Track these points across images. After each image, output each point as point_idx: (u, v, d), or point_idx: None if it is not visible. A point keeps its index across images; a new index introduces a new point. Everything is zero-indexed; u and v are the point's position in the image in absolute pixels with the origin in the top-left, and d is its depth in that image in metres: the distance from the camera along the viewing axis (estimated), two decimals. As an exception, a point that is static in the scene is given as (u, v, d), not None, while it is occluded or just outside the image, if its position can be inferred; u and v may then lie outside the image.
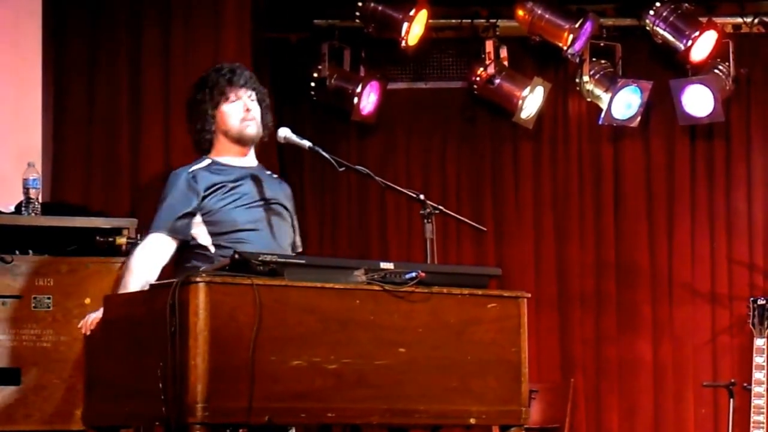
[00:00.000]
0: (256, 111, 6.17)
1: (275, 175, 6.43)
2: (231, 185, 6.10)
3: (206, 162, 6.15)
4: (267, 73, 7.46)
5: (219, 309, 5.09)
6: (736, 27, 9.42)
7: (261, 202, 6.13)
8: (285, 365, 5.23)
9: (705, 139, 9.55)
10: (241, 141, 6.15)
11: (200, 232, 6.01)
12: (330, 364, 5.35)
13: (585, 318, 9.52)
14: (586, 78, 9.25)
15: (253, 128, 6.13)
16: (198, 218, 6.01)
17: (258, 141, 6.27)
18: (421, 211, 6.17)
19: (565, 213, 9.67)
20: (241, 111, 6.11)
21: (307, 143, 6.15)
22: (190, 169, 6.10)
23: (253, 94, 6.18)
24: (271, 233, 6.08)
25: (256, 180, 6.19)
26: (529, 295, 5.87)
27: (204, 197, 6.01)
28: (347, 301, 5.45)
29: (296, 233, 6.29)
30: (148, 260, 5.99)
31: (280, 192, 6.26)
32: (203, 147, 6.21)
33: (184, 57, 8.09)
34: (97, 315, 5.81)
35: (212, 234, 6.01)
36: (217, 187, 6.05)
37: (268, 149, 6.49)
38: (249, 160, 6.23)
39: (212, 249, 5.98)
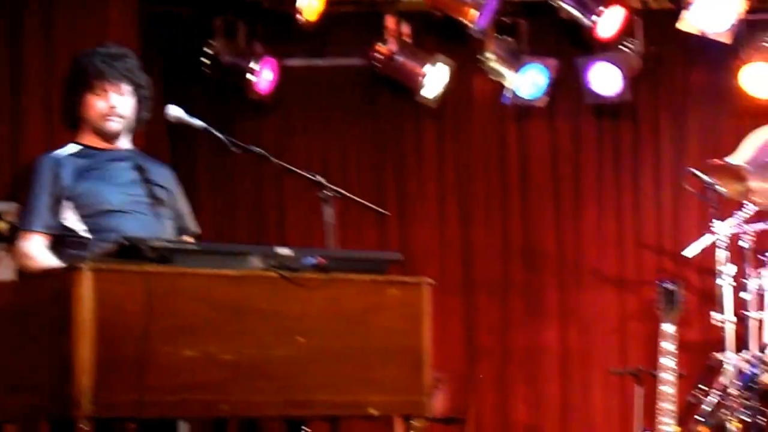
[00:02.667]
0: (123, 107, 6.07)
1: (154, 159, 6.35)
2: (100, 167, 6.07)
3: (73, 148, 6.10)
4: (156, 49, 7.42)
5: (106, 298, 5.01)
6: (645, 3, 9.42)
7: (135, 184, 6.09)
8: (177, 356, 5.18)
9: (612, 118, 9.70)
10: (101, 134, 6.10)
11: (69, 216, 5.94)
12: (225, 354, 5.32)
13: (490, 304, 9.60)
14: (490, 56, 9.21)
15: (116, 125, 6.05)
16: (66, 203, 5.96)
17: (129, 132, 6.20)
18: (320, 194, 6.14)
19: (470, 196, 9.73)
20: (105, 107, 6.04)
21: (199, 123, 6.10)
22: (54, 155, 6.08)
23: (129, 87, 6.11)
24: (149, 216, 6.00)
25: (129, 162, 6.15)
26: (432, 281, 5.84)
27: (69, 184, 5.96)
28: (243, 288, 5.43)
29: (186, 217, 6.22)
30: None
31: (159, 175, 6.20)
32: (70, 126, 6.19)
33: (68, 31, 8.09)
34: None
35: (83, 216, 5.94)
36: (83, 169, 6.02)
37: (158, 130, 6.39)
38: (120, 144, 6.16)
39: (85, 234, 5.90)
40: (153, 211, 6.02)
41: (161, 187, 6.12)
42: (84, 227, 5.92)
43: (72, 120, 6.14)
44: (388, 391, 5.83)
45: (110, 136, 6.07)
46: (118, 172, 6.04)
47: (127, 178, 6.03)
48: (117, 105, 6.00)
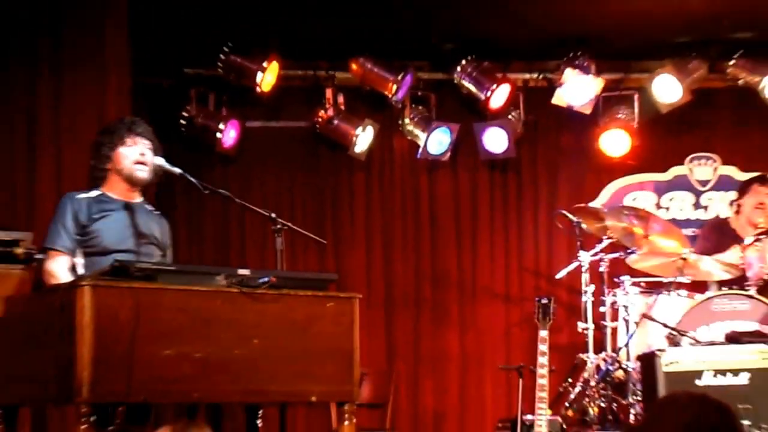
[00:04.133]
0: (149, 158, 6.16)
1: (157, 212, 6.40)
2: (111, 215, 6.13)
3: (95, 193, 6.17)
4: (143, 113, 7.39)
5: (102, 308, 5.09)
6: (525, 81, 9.58)
7: (132, 231, 6.14)
8: (159, 355, 5.26)
9: (500, 171, 9.77)
10: (131, 181, 6.19)
11: (79, 250, 6.04)
12: (197, 353, 5.40)
13: (406, 316, 9.65)
14: (407, 120, 9.40)
15: (144, 173, 6.15)
16: (78, 240, 6.04)
17: (148, 184, 6.29)
18: (273, 227, 6.29)
19: (391, 230, 9.75)
20: (137, 155, 6.14)
21: (177, 170, 6.21)
22: (78, 196, 6.12)
23: (150, 144, 6.20)
24: (138, 256, 6.03)
25: (134, 213, 6.20)
26: (361, 296, 5.99)
27: (84, 224, 6.05)
28: (211, 301, 5.51)
29: (168, 259, 6.31)
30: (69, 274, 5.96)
31: (155, 226, 6.30)
32: (96, 182, 6.20)
33: (75, 97, 7.90)
34: None
35: (86, 254, 6.03)
36: (97, 215, 6.09)
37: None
38: (134, 196, 6.22)
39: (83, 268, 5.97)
40: (143, 254, 6.11)
41: (153, 236, 6.23)
42: (83, 261, 6.02)
43: (100, 177, 6.18)
44: (326, 383, 5.94)
45: (137, 183, 6.17)
46: (123, 219, 6.14)
47: (128, 225, 6.13)
48: (146, 154, 6.16)
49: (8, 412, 5.83)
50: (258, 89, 8.94)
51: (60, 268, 5.96)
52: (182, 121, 8.99)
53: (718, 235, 8.61)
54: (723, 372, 7.02)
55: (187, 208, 8.40)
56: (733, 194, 9.14)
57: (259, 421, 6.44)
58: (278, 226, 6.40)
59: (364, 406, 8.15)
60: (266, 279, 5.72)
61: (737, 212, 8.64)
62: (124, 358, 5.14)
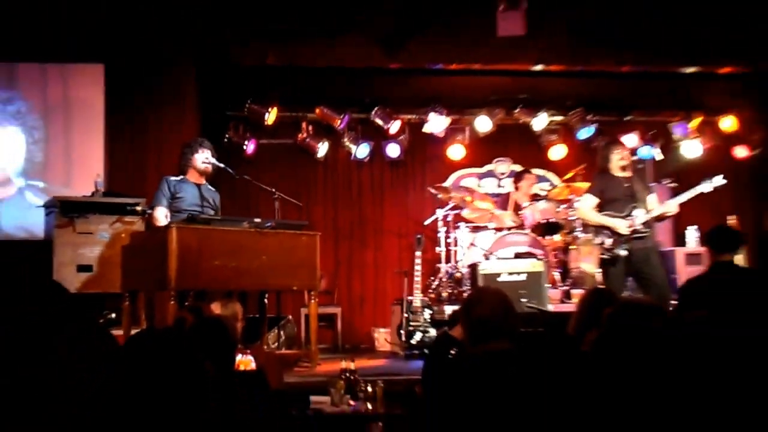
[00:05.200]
0: (211, 160, 6.20)
1: (212, 188, 6.36)
2: (187, 189, 6.15)
3: (179, 177, 6.23)
4: (206, 134, 7.31)
5: (181, 239, 5.20)
6: (410, 119, 9.33)
7: (200, 199, 6.15)
8: (211, 264, 5.36)
9: (397, 166, 9.56)
10: (200, 173, 6.24)
11: (168, 208, 6.02)
12: (231, 263, 5.47)
13: (345, 244, 9.48)
14: (345, 139, 9.18)
15: (209, 169, 6.20)
16: (170, 201, 6.05)
17: (210, 175, 6.29)
18: (273, 197, 6.41)
19: (337, 198, 9.56)
20: (203, 158, 6.21)
21: (222, 165, 6.29)
22: (170, 178, 6.17)
23: (210, 152, 6.27)
24: (202, 213, 5.99)
25: (200, 189, 6.22)
26: (320, 234, 6.11)
27: (172, 193, 6.10)
28: (239, 235, 5.60)
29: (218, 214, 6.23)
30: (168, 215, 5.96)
31: (212, 196, 6.28)
32: (183, 171, 6.24)
33: (166, 125, 7.96)
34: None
35: (172, 210, 5.99)
36: (179, 189, 6.12)
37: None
38: (202, 180, 6.23)
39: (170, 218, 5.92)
40: (204, 210, 6.09)
41: (210, 201, 6.22)
42: (170, 214, 5.98)
43: (185, 168, 6.20)
44: (300, 280, 6.03)
45: (203, 174, 6.20)
46: (194, 192, 6.15)
47: (197, 196, 6.13)
48: (208, 159, 6.19)
49: (132, 294, 5.95)
50: (266, 122, 8.84)
51: (161, 216, 5.97)
52: (225, 139, 8.80)
53: (508, 202, 8.79)
54: (512, 273, 7.11)
55: (228, 187, 8.30)
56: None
57: (266, 300, 6.59)
58: (276, 196, 6.54)
59: (323, 292, 8.19)
60: (269, 223, 5.85)
61: (516, 189, 8.84)
62: (193, 265, 5.24)
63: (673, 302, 5.69)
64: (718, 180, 6.16)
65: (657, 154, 9.30)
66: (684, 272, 8.26)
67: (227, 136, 8.84)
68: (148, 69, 7.85)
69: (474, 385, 2.75)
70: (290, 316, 7.76)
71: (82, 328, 2.58)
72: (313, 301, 6.16)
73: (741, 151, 9.42)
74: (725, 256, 4.89)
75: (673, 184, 8.62)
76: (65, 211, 6.63)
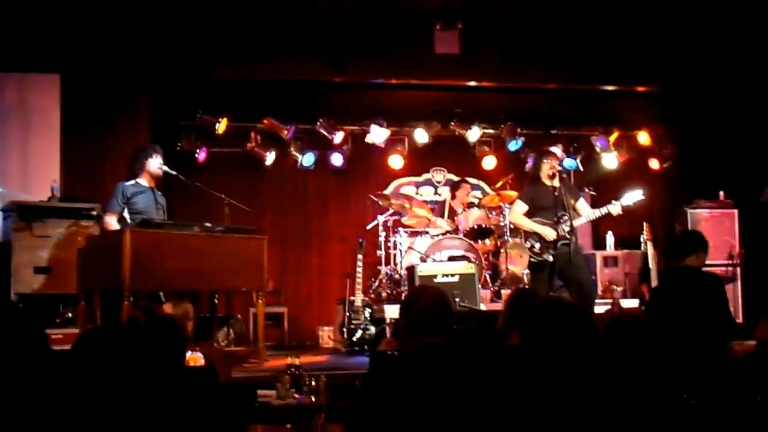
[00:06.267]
0: (163, 168, 6.12)
1: (159, 192, 6.28)
2: (141, 193, 6.08)
3: (133, 182, 6.14)
4: (159, 142, 7.22)
5: (136, 242, 5.14)
6: (352, 130, 9.28)
7: (154, 203, 6.09)
8: (165, 266, 5.31)
9: (337, 173, 9.50)
10: (153, 177, 6.15)
11: (126, 212, 5.94)
12: (184, 265, 5.43)
13: (292, 247, 9.44)
14: (292, 148, 9.05)
15: (161, 174, 6.11)
16: (124, 207, 5.96)
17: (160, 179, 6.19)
18: (223, 202, 6.36)
19: (285, 204, 9.51)
20: (158, 164, 6.12)
21: (174, 172, 6.24)
22: (125, 183, 6.09)
23: (162, 159, 6.19)
24: (155, 216, 5.95)
25: (153, 193, 6.15)
26: (267, 237, 6.09)
27: (128, 198, 6.02)
28: (191, 239, 5.57)
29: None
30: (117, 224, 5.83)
31: (162, 201, 6.21)
32: (136, 174, 6.14)
33: (125, 138, 7.85)
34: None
35: (130, 213, 5.91)
36: (133, 193, 6.05)
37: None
38: (153, 185, 6.15)
39: (129, 220, 5.85)
40: (157, 214, 6.03)
41: (161, 204, 6.16)
42: (130, 217, 5.91)
43: (136, 172, 6.10)
44: (249, 280, 6.03)
45: (155, 178, 6.13)
46: (148, 196, 6.07)
47: (150, 199, 6.06)
48: (161, 164, 6.10)
49: (87, 295, 5.83)
50: (216, 132, 8.72)
51: (113, 222, 5.91)
52: (178, 147, 8.64)
53: (444, 209, 8.88)
54: (447, 275, 7.05)
55: (180, 192, 8.15)
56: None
57: (216, 300, 6.51)
58: (226, 202, 6.50)
59: (270, 292, 8.14)
60: (219, 228, 5.82)
61: (453, 197, 8.91)
62: (146, 267, 5.19)
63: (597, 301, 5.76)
64: (635, 196, 6.21)
65: (579, 164, 9.51)
66: (602, 273, 8.49)
67: (179, 144, 8.71)
68: (102, 80, 7.73)
69: (409, 377, 2.77)
70: (239, 315, 7.69)
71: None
72: (260, 300, 6.13)
73: (654, 164, 9.65)
74: (685, 260, 4.62)
75: (592, 192, 8.82)
76: (23, 215, 6.52)
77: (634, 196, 6.21)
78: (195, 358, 4.11)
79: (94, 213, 6.66)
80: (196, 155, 8.81)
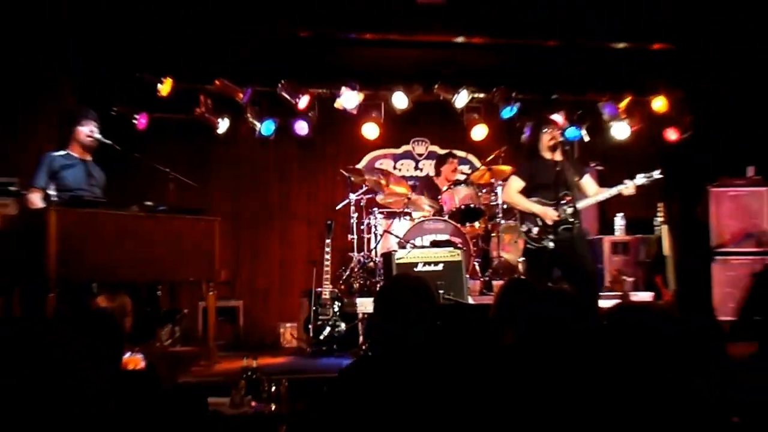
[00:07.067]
0: (96, 135, 6.06)
1: (98, 166, 6.25)
2: (72, 166, 6.03)
3: (62, 152, 6.08)
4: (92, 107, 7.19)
5: (63, 224, 5.11)
6: (318, 93, 9.30)
7: (86, 177, 6.04)
8: (97, 252, 5.28)
9: (305, 146, 9.60)
10: (83, 148, 6.10)
11: (52, 187, 5.89)
12: (120, 251, 5.41)
13: (249, 231, 9.49)
14: (249, 115, 9.09)
15: (94, 144, 6.05)
16: (50, 182, 5.92)
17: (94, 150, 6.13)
18: (169, 177, 6.32)
19: (240, 179, 9.56)
20: (88, 132, 6.06)
21: (109, 142, 6.13)
22: (52, 154, 6.04)
23: (96, 124, 6.12)
24: (88, 192, 5.92)
25: (87, 166, 6.11)
26: (219, 219, 6.09)
27: (54, 171, 5.96)
28: (129, 220, 5.55)
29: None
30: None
31: (98, 174, 6.18)
32: (64, 144, 6.09)
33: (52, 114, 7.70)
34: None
35: (58, 189, 5.86)
36: (63, 166, 5.99)
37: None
38: (86, 156, 6.11)
39: (56, 198, 5.75)
40: (93, 191, 6.02)
41: (96, 179, 6.13)
42: (56, 193, 5.86)
43: (66, 141, 6.07)
44: (197, 269, 6.05)
45: (87, 150, 6.11)
46: (79, 169, 6.02)
47: (82, 173, 6.02)
48: (94, 132, 6.05)
49: (6, 287, 5.73)
50: (159, 94, 8.63)
51: (37, 199, 5.86)
52: (113, 112, 8.42)
53: (427, 187, 8.91)
54: (429, 263, 7.07)
55: (116, 165, 8.09)
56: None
57: (158, 292, 6.50)
58: (171, 177, 6.45)
59: (222, 283, 8.16)
60: (162, 207, 5.79)
61: (437, 173, 8.96)
62: (76, 253, 5.14)
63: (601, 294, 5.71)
64: (652, 173, 6.14)
65: (584, 135, 9.53)
66: (610, 261, 8.53)
67: (114, 108, 8.60)
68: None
69: (385, 385, 2.77)
70: (186, 310, 7.71)
71: None
72: (211, 293, 6.14)
73: (672, 134, 9.69)
74: None
75: (599, 168, 8.86)
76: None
77: (650, 173, 6.17)
78: (134, 360, 4.13)
79: (13, 189, 6.57)
80: (135, 121, 8.75)
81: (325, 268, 7.47)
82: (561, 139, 6.43)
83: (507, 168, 8.50)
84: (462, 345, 3.17)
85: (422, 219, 8.04)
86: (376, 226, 8.41)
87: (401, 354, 2.97)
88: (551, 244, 6.20)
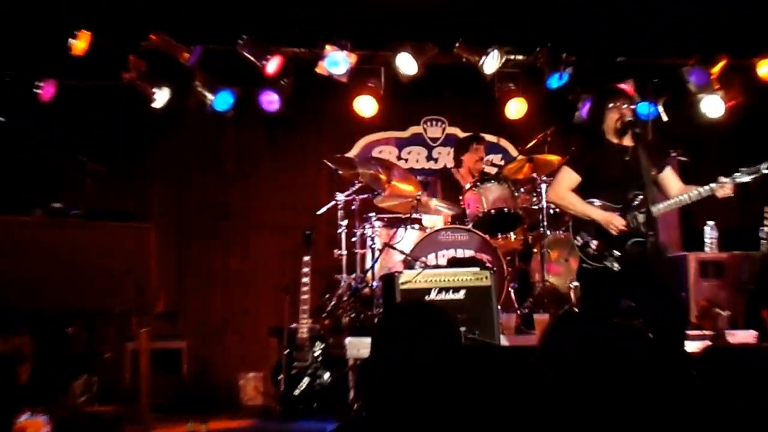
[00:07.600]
0: None
1: None
2: None
3: None
4: None
5: None
6: (295, 53, 9.45)
7: None
8: None
9: (276, 127, 9.72)
10: None
11: None
12: (19, 271, 5.44)
13: (197, 242, 9.60)
14: (198, 83, 9.11)
15: None
16: None
17: None
18: (86, 167, 6.30)
19: (185, 171, 9.70)
20: None
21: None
22: None
23: None
24: None
25: None
26: (153, 226, 6.08)
27: None
28: (30, 229, 5.65)
29: None
30: None
31: None
32: None
33: None
34: None
35: None
36: None
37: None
38: None
39: None
40: None
41: None
42: None
43: None
44: (125, 297, 6.03)
45: None
46: None
47: None
48: None
49: None
50: (72, 53, 8.54)
51: None
52: (5, 77, 8.47)
53: (444, 183, 8.91)
54: (446, 289, 7.04)
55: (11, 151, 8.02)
56: (457, 148, 9.36)
57: (69, 330, 6.44)
58: (88, 167, 6.43)
59: (160, 316, 8.09)
60: (76, 210, 5.76)
61: (458, 165, 8.96)
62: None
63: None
64: (755, 168, 5.99)
65: (661, 112, 9.48)
66: (698, 288, 8.48)
67: (6, 73, 8.59)
68: None
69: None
70: (108, 354, 7.68)
71: None
72: (143, 329, 6.11)
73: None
74: None
75: (682, 159, 8.81)
76: None
77: (755, 167, 6.10)
78: (34, 424, 4.08)
79: None
80: (38, 90, 8.77)
81: (303, 297, 7.49)
82: (632, 118, 6.36)
83: (555, 158, 8.48)
84: (490, 405, 3.14)
85: (437, 228, 8.04)
86: (373, 239, 8.43)
87: (407, 418, 2.92)
88: (616, 264, 6.16)
